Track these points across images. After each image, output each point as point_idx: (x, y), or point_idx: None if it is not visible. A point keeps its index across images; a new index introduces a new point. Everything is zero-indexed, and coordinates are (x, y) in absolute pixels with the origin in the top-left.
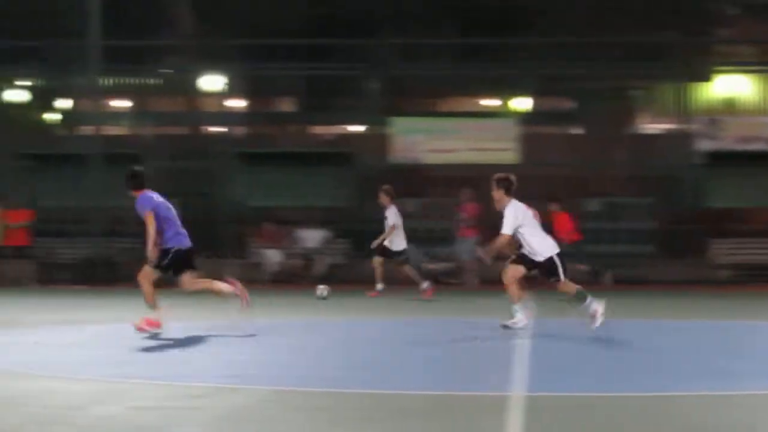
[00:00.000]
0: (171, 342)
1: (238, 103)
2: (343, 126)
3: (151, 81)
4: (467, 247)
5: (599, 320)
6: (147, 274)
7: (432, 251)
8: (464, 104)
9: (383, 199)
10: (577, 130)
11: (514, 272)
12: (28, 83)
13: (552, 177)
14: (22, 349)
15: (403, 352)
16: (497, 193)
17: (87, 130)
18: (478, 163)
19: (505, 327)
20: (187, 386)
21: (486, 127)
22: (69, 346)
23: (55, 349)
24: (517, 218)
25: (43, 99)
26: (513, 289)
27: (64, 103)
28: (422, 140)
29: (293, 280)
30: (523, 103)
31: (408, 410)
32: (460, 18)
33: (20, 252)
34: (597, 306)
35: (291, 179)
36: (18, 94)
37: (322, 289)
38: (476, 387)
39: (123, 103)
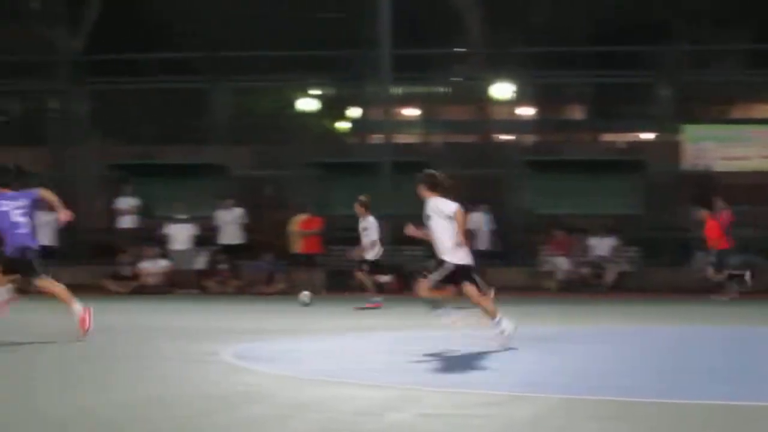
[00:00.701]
0: (460, 350)
1: (527, 111)
2: (633, 133)
3: (441, 89)
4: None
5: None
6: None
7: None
8: (757, 110)
9: (359, 209)
10: None
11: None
12: (320, 92)
13: None
14: (312, 357)
15: (694, 359)
16: (421, 190)
17: (377, 138)
18: None
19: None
20: (479, 394)
21: None
22: (360, 352)
23: (345, 356)
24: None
25: (334, 108)
26: (483, 304)
27: (355, 112)
28: (714, 147)
29: (583, 288)
30: None
31: (704, 421)
32: (753, 23)
33: (312, 260)
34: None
35: (580, 187)
36: (310, 103)
37: (304, 296)
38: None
39: (413, 112)
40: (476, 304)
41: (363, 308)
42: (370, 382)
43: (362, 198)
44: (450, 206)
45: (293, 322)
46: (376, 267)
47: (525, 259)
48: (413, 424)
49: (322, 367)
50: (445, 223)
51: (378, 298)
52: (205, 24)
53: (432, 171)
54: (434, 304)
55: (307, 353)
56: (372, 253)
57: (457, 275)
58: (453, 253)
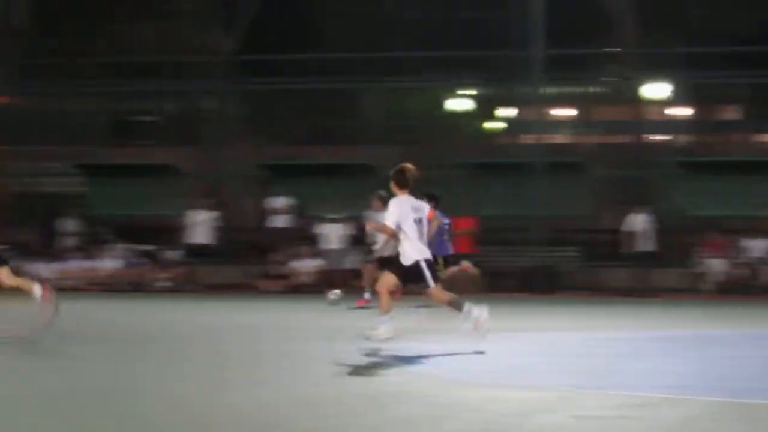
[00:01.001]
0: (611, 351)
1: (681, 112)
2: None
3: (594, 89)
4: None
5: (484, 327)
6: None
7: None
8: None
9: (376, 204)
10: None
11: (388, 280)
12: (471, 92)
13: None
14: (462, 357)
15: None
16: (391, 185)
17: (529, 138)
18: None
19: (367, 338)
20: (630, 395)
21: None
22: (511, 354)
23: (496, 358)
24: (399, 214)
25: (485, 108)
26: (384, 299)
27: (507, 112)
28: None
29: (739, 290)
30: None
31: None
32: None
33: (465, 260)
34: (478, 312)
35: (735, 188)
36: (461, 104)
37: (334, 294)
38: None
39: (565, 112)
40: (436, 300)
41: (355, 308)
42: (520, 383)
43: (381, 193)
44: (386, 219)
45: (443, 323)
46: (386, 264)
47: (679, 260)
48: (564, 426)
49: (472, 368)
50: (411, 223)
51: (368, 295)
52: (357, 25)
53: (402, 167)
54: (454, 306)
55: (456, 354)
56: (387, 250)
57: (413, 273)
58: (414, 252)
